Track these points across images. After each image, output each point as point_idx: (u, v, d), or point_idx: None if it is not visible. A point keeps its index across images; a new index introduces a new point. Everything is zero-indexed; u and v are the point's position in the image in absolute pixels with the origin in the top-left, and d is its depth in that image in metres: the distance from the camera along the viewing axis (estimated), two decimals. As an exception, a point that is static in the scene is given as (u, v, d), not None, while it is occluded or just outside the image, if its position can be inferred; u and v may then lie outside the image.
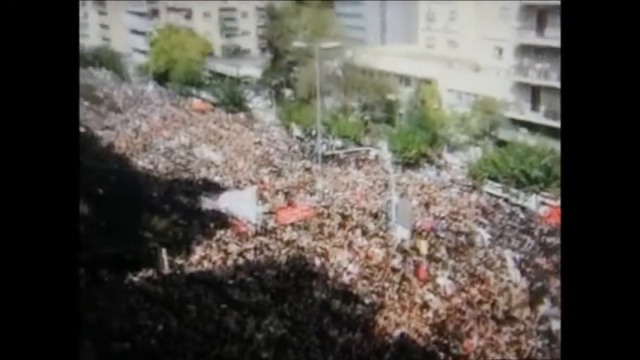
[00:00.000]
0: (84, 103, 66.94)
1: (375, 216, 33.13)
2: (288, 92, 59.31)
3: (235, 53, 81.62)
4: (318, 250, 28.89)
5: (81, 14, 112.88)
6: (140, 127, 56.47)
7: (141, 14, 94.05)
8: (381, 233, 30.77)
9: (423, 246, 28.76)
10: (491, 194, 37.08)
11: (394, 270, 26.83)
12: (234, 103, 63.18)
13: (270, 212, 33.58)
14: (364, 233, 30.84)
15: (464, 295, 24.76)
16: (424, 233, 30.55)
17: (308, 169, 42.31)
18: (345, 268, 27.24)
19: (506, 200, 36.22)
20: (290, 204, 35.40)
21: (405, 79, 49.06)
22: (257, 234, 30.85)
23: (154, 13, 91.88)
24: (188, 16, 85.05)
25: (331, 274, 26.90)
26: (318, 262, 27.83)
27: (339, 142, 47.93)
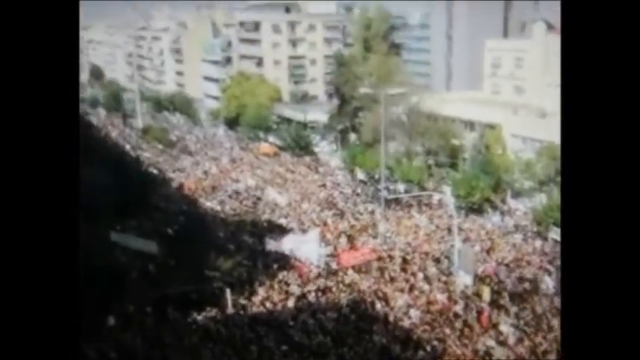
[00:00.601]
0: (158, 146, 69.92)
1: (438, 261, 32.93)
2: (353, 137, 60.21)
3: (303, 99, 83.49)
4: (380, 293, 28.90)
5: (158, 62, 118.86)
6: (210, 169, 58.30)
7: (215, 62, 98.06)
8: (443, 278, 30.52)
9: (486, 292, 28.33)
10: (556, 241, 36.23)
11: (456, 316, 26.53)
12: (300, 147, 64.53)
13: (333, 255, 33.85)
14: (426, 278, 30.67)
15: (528, 343, 24.20)
16: (487, 279, 30.13)
17: (371, 213, 42.55)
18: (406, 313, 27.10)
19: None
20: (352, 247, 35.64)
21: (470, 125, 49.09)
22: (319, 276, 31.08)
23: (227, 60, 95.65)
24: (259, 64, 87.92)
25: (392, 318, 26.78)
26: (379, 305, 27.83)
27: (402, 186, 48.05)
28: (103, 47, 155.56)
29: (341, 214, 42.37)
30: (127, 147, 69.00)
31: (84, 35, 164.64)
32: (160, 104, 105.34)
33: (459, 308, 27.24)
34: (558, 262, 32.94)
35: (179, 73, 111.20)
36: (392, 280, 30.50)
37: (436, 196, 44.72)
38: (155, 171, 55.45)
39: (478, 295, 28.36)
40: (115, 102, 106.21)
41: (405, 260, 33.01)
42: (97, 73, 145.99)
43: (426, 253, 34.08)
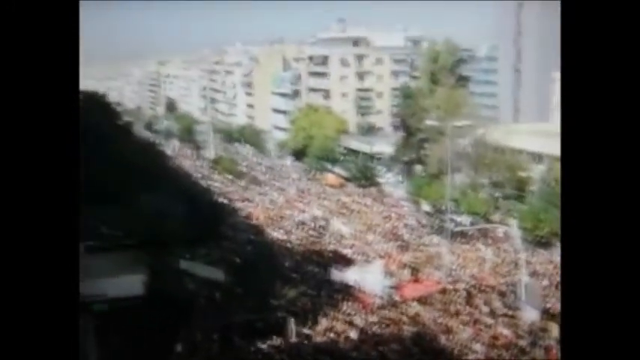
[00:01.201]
0: (228, 177, 71.92)
1: (503, 295, 32.43)
2: (418, 168, 60.18)
3: (369, 131, 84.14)
4: (443, 326, 28.77)
5: (230, 95, 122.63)
6: (277, 199, 59.49)
7: (284, 95, 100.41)
8: (509, 313, 30.05)
9: (555, 329, 27.69)
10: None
11: (522, 352, 26.08)
12: (366, 178, 65.00)
13: (396, 286, 33.94)
14: (491, 312, 30.30)
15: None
16: (556, 315, 29.46)
17: (436, 245, 42.39)
18: (469, 347, 26.88)
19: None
20: (416, 279, 35.61)
21: (537, 157, 48.30)
22: (382, 307, 31.24)
23: (296, 93, 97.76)
24: (326, 96, 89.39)
25: (456, 352, 26.63)
26: (442, 338, 27.70)
27: (468, 219, 47.59)
28: (179, 81, 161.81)
29: (405, 246, 42.39)
30: (199, 177, 71.34)
31: (161, 70, 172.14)
32: (230, 136, 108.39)
33: (525, 344, 26.75)
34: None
35: (250, 106, 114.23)
36: (456, 313, 30.29)
37: (502, 229, 44.06)
38: (224, 201, 57.02)
39: (546, 330, 27.76)
40: (188, 134, 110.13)
41: (469, 293, 32.72)
42: (171, 106, 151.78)
43: (492, 287, 33.65)
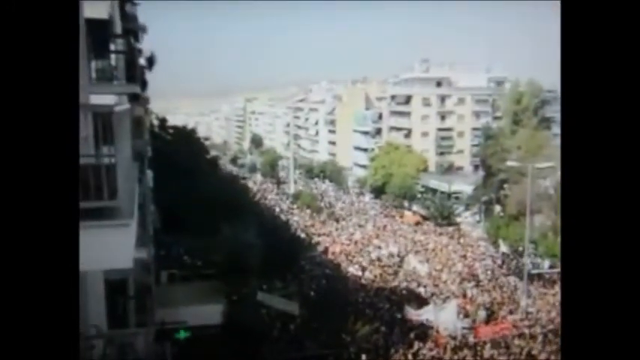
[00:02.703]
0: (307, 211, 73.24)
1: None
2: (497, 209, 59.45)
3: (449, 170, 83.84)
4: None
5: (313, 132, 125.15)
6: (354, 234, 60.12)
7: (365, 132, 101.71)
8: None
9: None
10: None
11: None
12: (443, 216, 64.70)
13: (471, 327, 33.64)
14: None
15: None
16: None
17: (513, 287, 41.67)
18: (542, 392, 26.37)
19: None
20: (492, 320, 35.14)
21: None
22: (456, 348, 30.97)
23: (378, 131, 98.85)
24: (407, 135, 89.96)
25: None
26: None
27: (547, 262, 46.52)
28: (265, 117, 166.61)
29: (481, 287, 41.89)
30: (279, 211, 73.04)
31: (248, 107, 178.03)
32: (311, 171, 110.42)
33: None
34: None
35: (331, 143, 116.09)
36: (532, 358, 29.69)
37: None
38: (303, 235, 58.12)
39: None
40: (271, 168, 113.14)
41: (546, 337, 31.99)
42: (257, 142, 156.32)
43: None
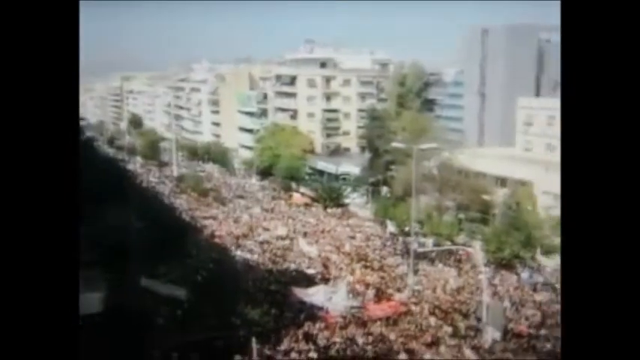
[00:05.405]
0: (192, 194, 71.10)
1: (466, 315, 32.59)
2: (384, 190, 60.49)
3: (336, 151, 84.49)
4: (407, 347, 28.67)
5: (195, 112, 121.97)
6: (241, 218, 58.96)
7: (250, 114, 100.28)
8: (472, 334, 30.17)
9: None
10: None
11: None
12: (331, 198, 64.93)
13: (361, 306, 33.82)
14: (454, 333, 30.35)
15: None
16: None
17: (400, 266, 42.45)
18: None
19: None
20: (380, 299, 35.54)
21: (501, 181, 49.08)
22: (346, 327, 31.02)
23: (263, 112, 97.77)
24: (293, 116, 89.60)
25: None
26: (405, 359, 27.58)
27: (432, 240, 47.91)
28: (143, 97, 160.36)
29: (370, 267, 42.32)
30: (162, 194, 70.38)
31: (125, 86, 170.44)
32: (195, 153, 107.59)
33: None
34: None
35: (215, 124, 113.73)
36: (419, 333, 30.23)
37: (466, 251, 44.47)
38: (188, 218, 56.30)
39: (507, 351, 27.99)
40: (152, 150, 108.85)
41: (432, 314, 32.75)
42: (135, 122, 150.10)
43: (455, 308, 33.77)
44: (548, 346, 28.78)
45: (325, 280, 38.71)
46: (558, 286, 38.19)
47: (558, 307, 34.67)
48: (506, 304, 34.08)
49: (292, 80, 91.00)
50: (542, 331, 30.69)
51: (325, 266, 42.63)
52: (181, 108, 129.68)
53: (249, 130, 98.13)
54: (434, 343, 28.99)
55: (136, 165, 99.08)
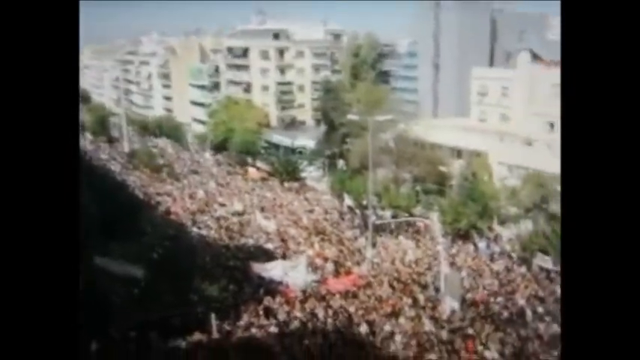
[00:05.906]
0: (144, 170, 69.59)
1: (425, 286, 32.88)
2: (340, 163, 60.34)
3: (291, 124, 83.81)
4: (366, 319, 28.74)
5: (145, 87, 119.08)
6: (196, 193, 58.04)
7: (202, 87, 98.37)
8: (430, 304, 30.45)
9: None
10: (541, 268, 36.46)
11: (442, 342, 26.40)
12: (287, 172, 64.49)
13: (320, 280, 33.75)
14: (413, 303, 30.57)
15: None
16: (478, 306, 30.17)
17: (358, 239, 42.52)
18: (392, 339, 26.95)
19: (557, 273, 35.46)
20: (339, 272, 35.54)
21: (457, 152, 49.49)
22: (306, 301, 30.93)
23: (215, 86, 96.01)
24: (247, 90, 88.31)
25: (378, 344, 26.63)
26: (365, 331, 27.65)
27: (389, 213, 48.11)
28: (90, 71, 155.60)
29: (328, 240, 42.26)
30: (113, 171, 68.66)
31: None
32: (146, 128, 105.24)
33: (445, 334, 27.11)
34: (544, 289, 33.18)
35: (167, 98, 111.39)
36: (379, 305, 30.34)
37: (423, 222, 44.81)
38: (141, 195, 55.10)
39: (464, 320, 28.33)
40: (101, 126, 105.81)
41: (392, 286, 32.90)
42: (83, 97, 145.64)
43: (413, 279, 34.02)
44: (505, 313, 29.31)
45: (284, 255, 38.52)
46: (514, 255, 39.04)
47: (514, 275, 35.44)
48: (464, 274, 34.51)
49: (244, 52, 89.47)
50: (499, 299, 31.23)
51: (283, 241, 42.40)
52: (130, 82, 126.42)
53: (202, 104, 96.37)
54: (393, 314, 29.14)
55: (85, 141, 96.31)
